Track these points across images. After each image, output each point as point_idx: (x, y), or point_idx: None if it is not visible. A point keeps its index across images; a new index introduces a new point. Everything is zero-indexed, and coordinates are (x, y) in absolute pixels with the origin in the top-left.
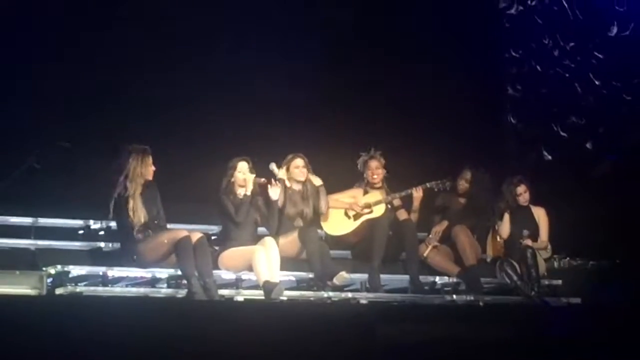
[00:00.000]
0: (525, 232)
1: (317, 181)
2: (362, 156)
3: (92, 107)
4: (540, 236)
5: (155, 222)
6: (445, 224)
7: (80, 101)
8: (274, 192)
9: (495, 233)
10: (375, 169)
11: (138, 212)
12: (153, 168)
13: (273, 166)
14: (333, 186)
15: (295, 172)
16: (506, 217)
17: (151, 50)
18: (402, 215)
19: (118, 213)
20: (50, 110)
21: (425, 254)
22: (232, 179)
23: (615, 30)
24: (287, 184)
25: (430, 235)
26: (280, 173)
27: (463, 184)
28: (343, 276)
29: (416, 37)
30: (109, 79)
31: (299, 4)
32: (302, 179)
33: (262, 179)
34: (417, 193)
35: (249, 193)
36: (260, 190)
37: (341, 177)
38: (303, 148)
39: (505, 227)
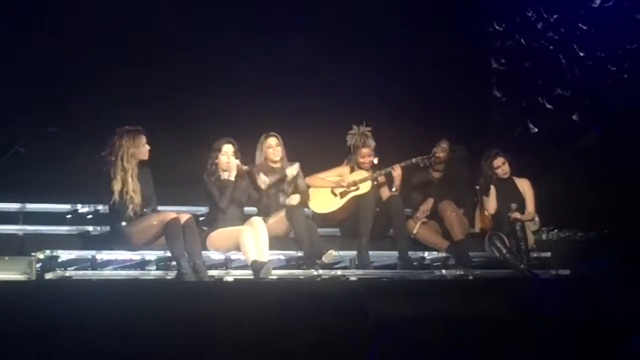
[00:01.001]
0: (514, 206)
1: (293, 170)
2: (351, 133)
3: (79, 91)
4: (527, 207)
5: (149, 203)
6: (430, 201)
7: (67, 85)
8: (263, 184)
9: (483, 207)
10: (367, 157)
11: (134, 193)
12: (147, 147)
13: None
14: (318, 163)
15: (269, 152)
16: (492, 191)
17: (136, 34)
18: (388, 191)
19: (113, 192)
20: (36, 95)
21: (415, 231)
22: (216, 161)
23: (598, 0)
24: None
25: (418, 214)
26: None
27: (439, 153)
28: (332, 254)
29: (399, 12)
30: (94, 63)
31: None
32: (277, 158)
33: (246, 167)
34: (396, 171)
35: (232, 178)
36: (245, 174)
37: (326, 154)
38: (289, 127)
39: (491, 201)
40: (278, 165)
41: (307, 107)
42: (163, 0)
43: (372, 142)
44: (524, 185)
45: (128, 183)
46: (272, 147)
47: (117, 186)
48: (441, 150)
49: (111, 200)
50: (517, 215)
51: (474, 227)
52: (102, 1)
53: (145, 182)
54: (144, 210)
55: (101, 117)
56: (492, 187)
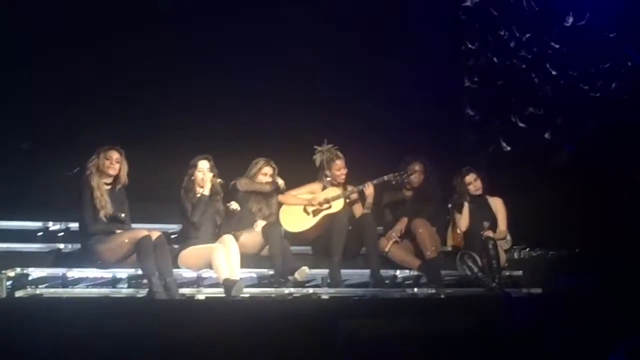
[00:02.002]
0: (486, 224)
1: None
2: (318, 151)
3: (52, 107)
4: (499, 226)
5: (123, 222)
6: (405, 221)
7: (39, 102)
8: (235, 206)
9: (455, 225)
10: (343, 168)
11: (102, 203)
12: (118, 164)
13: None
14: (287, 181)
15: (261, 178)
16: (464, 208)
17: (111, 50)
18: (360, 209)
19: (79, 200)
20: (8, 111)
21: (387, 249)
22: (192, 178)
23: (571, 20)
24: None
25: (393, 233)
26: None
27: (417, 176)
28: (305, 271)
29: (371, 30)
30: (68, 80)
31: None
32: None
33: (220, 180)
34: (369, 189)
35: (206, 193)
36: (220, 189)
37: (296, 173)
38: (260, 144)
39: (464, 219)
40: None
41: (278, 126)
42: (142, 17)
43: (341, 156)
44: (497, 204)
45: (98, 193)
46: (267, 176)
47: (87, 196)
48: (418, 173)
49: (81, 215)
50: (489, 233)
51: (446, 245)
52: (79, 17)
53: (118, 201)
54: (116, 229)
55: (74, 134)
56: (465, 204)
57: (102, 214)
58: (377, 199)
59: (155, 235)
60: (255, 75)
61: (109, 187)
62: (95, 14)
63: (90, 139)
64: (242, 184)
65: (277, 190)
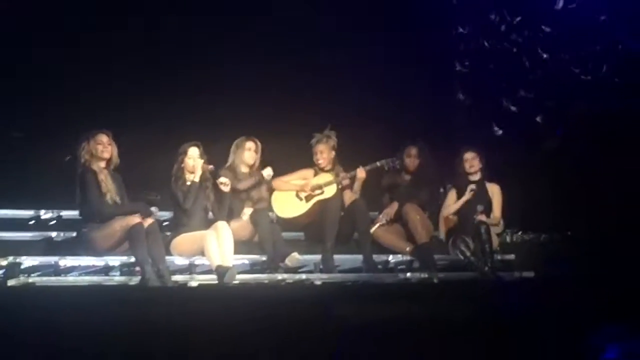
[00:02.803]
0: (480, 207)
1: (268, 171)
2: (315, 137)
3: (44, 94)
4: (493, 212)
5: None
6: (395, 205)
7: (32, 90)
8: (225, 188)
9: (448, 209)
10: (321, 153)
11: (107, 186)
12: (111, 152)
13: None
14: (285, 168)
15: (247, 154)
16: (452, 194)
17: (104, 37)
18: (349, 195)
19: (84, 186)
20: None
21: (371, 231)
22: (182, 165)
23: (561, 3)
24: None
25: (381, 216)
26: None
27: (412, 161)
28: (295, 257)
29: (364, 16)
30: (60, 67)
31: None
32: (252, 162)
33: (211, 166)
34: (361, 174)
35: (197, 180)
36: (210, 176)
37: (293, 159)
38: (254, 130)
39: (453, 203)
40: (248, 170)
41: (273, 111)
42: (134, 6)
43: (331, 142)
44: (494, 190)
45: (102, 182)
46: (250, 151)
47: (92, 187)
48: (413, 157)
49: (89, 201)
50: (482, 217)
51: (439, 229)
52: (71, 5)
53: (117, 183)
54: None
55: (66, 121)
56: (453, 190)
57: (108, 197)
58: (373, 184)
59: (147, 222)
60: (250, 60)
61: (106, 170)
62: (80, 7)
63: (81, 126)
64: (223, 181)
65: (262, 177)
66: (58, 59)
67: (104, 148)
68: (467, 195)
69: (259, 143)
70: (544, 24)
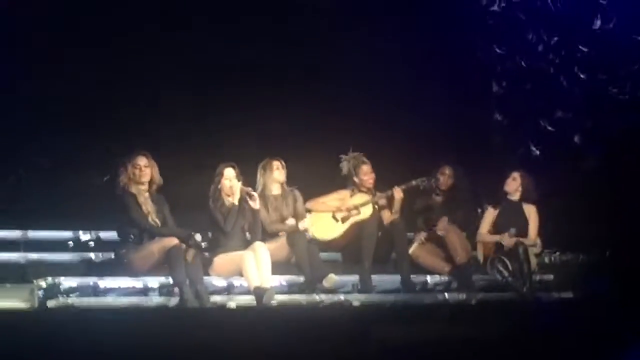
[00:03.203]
0: (512, 230)
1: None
2: (344, 159)
3: (80, 118)
4: (529, 233)
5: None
6: (445, 220)
7: (67, 112)
8: (254, 205)
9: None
10: (370, 173)
11: (148, 208)
12: (148, 169)
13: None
14: (314, 189)
15: (277, 173)
16: (489, 214)
17: (135, 60)
18: (389, 215)
19: (123, 210)
20: (37, 121)
21: (410, 251)
22: (219, 186)
23: (598, 23)
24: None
25: (421, 235)
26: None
27: (446, 180)
28: (332, 278)
29: (400, 37)
30: (98, 89)
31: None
32: (283, 179)
33: (249, 188)
34: (398, 194)
35: (236, 202)
36: (247, 197)
37: (323, 179)
38: (286, 152)
39: (486, 224)
40: (280, 191)
41: (304, 132)
42: (168, 27)
43: (367, 162)
44: (531, 211)
45: (142, 204)
46: (279, 169)
47: (129, 201)
48: (447, 177)
49: (123, 223)
50: (517, 238)
51: (477, 249)
52: (94, 30)
53: (159, 205)
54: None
55: (104, 143)
56: (489, 209)
57: (148, 219)
58: (407, 204)
59: (189, 253)
60: (279, 83)
61: (147, 193)
62: (113, 25)
63: (118, 146)
64: (253, 194)
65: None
66: (92, 79)
67: (141, 172)
68: (501, 216)
69: (282, 161)
70: (581, 44)
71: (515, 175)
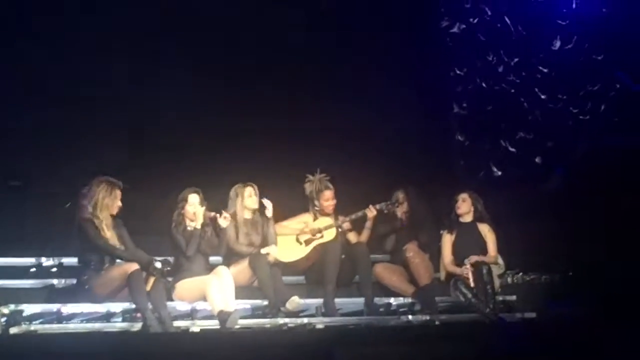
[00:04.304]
0: (471, 259)
1: (269, 212)
2: (308, 180)
3: (44, 141)
4: (489, 251)
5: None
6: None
7: (31, 136)
8: (224, 222)
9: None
10: (331, 199)
11: (108, 234)
12: (119, 204)
13: None
14: (278, 211)
15: (249, 200)
16: (446, 239)
17: (101, 85)
18: (353, 238)
19: (84, 237)
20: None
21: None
22: (183, 211)
23: (558, 43)
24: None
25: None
26: None
27: (401, 205)
28: (295, 301)
29: (359, 57)
30: (59, 113)
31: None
32: (255, 206)
33: (212, 213)
34: (371, 212)
35: (199, 226)
36: (210, 221)
37: (287, 202)
38: (247, 175)
39: (446, 250)
40: (251, 215)
41: (266, 155)
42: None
43: (331, 186)
44: (485, 230)
45: (104, 229)
46: (252, 197)
47: (91, 229)
48: (401, 200)
49: (82, 249)
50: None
51: (439, 271)
52: (71, 52)
53: (118, 229)
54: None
55: (65, 168)
56: (446, 235)
57: (108, 244)
58: (373, 229)
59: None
60: (246, 102)
61: (106, 219)
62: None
63: (79, 172)
64: (226, 215)
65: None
66: (60, 105)
67: (113, 202)
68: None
69: (256, 187)
70: (542, 65)
71: (464, 196)
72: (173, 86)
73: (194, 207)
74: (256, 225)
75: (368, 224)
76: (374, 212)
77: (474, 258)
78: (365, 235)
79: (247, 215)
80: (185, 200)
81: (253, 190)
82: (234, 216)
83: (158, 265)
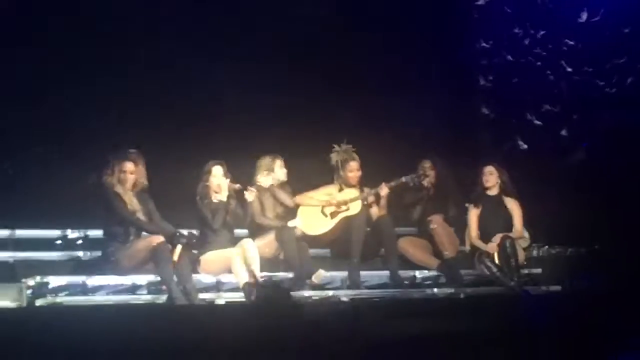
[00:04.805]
0: (494, 239)
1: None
2: (335, 150)
3: (72, 112)
4: (515, 226)
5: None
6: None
7: (58, 107)
8: (250, 196)
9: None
10: (356, 170)
11: (133, 207)
12: (146, 177)
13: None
14: (304, 182)
15: (280, 172)
16: (472, 214)
17: (133, 59)
18: (377, 211)
19: (110, 209)
20: (26, 115)
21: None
22: (207, 184)
23: (585, 16)
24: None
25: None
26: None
27: (428, 173)
28: (321, 274)
29: (386, 30)
30: (90, 84)
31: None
32: (285, 179)
33: (237, 185)
34: (383, 191)
35: (224, 199)
36: (234, 193)
37: (312, 173)
38: (272, 146)
39: (472, 225)
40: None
41: (290, 127)
42: (163, 22)
43: (356, 157)
44: (512, 204)
45: (128, 204)
46: (282, 168)
47: (113, 198)
48: (428, 169)
49: (108, 221)
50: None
51: (465, 244)
52: (102, 20)
53: (144, 203)
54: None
55: (93, 139)
56: (472, 210)
57: (134, 217)
58: (398, 200)
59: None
60: (270, 75)
61: (132, 192)
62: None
63: (106, 143)
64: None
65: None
66: (91, 77)
67: (125, 177)
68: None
69: (283, 160)
70: (568, 38)
71: (491, 169)
72: (201, 58)
73: (218, 179)
74: (280, 196)
75: (382, 202)
76: (386, 190)
77: (500, 236)
78: (383, 210)
79: (271, 187)
80: (210, 172)
81: (281, 162)
82: (260, 188)
83: (184, 237)
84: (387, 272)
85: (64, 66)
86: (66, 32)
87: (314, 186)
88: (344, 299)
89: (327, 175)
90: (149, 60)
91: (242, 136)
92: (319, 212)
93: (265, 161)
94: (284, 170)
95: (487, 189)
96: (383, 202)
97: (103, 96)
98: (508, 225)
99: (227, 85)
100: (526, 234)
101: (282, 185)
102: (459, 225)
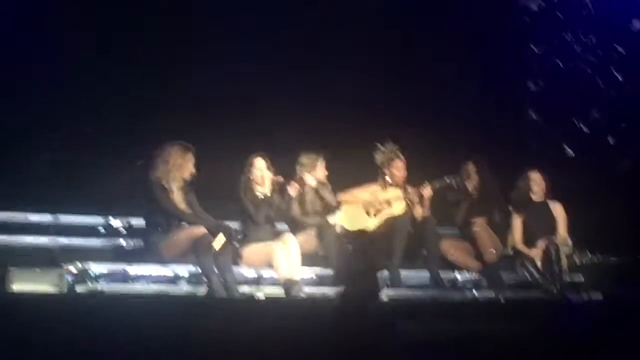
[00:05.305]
0: (539, 243)
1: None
2: (380, 149)
3: (113, 103)
4: (559, 231)
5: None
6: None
7: (107, 98)
8: (293, 192)
9: (516, 228)
10: (403, 169)
11: (178, 202)
12: (192, 169)
13: None
14: (348, 180)
15: (321, 172)
16: (517, 220)
17: (175, 48)
18: (420, 211)
19: (153, 199)
20: (75, 104)
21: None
22: (250, 176)
23: (638, 24)
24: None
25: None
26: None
27: (471, 176)
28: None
29: (436, 34)
30: (137, 74)
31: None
32: (323, 176)
33: (280, 178)
34: (427, 192)
35: (268, 193)
36: (277, 187)
37: (356, 172)
38: (316, 142)
39: (517, 230)
40: (314, 184)
41: (335, 124)
42: (211, 18)
43: (402, 157)
44: (557, 209)
45: (173, 193)
46: (323, 166)
47: (160, 192)
48: (471, 172)
49: (150, 211)
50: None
51: (507, 247)
52: (150, 15)
53: (188, 193)
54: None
55: (137, 128)
56: (516, 215)
57: (177, 208)
58: (442, 201)
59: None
60: (317, 74)
61: (177, 182)
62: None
63: (152, 133)
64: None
65: (290, 185)
66: (139, 67)
67: (187, 167)
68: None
69: (325, 158)
70: (619, 45)
71: (536, 175)
72: (247, 50)
73: (261, 172)
74: (322, 193)
75: (426, 202)
76: (429, 191)
77: (545, 241)
78: (426, 211)
79: (314, 184)
80: (252, 164)
81: (324, 162)
82: (301, 183)
83: (225, 230)
84: (427, 273)
85: (116, 49)
86: (117, 31)
87: (356, 183)
88: (384, 298)
89: (369, 172)
90: (197, 57)
91: (286, 130)
92: (362, 209)
93: (308, 159)
94: (325, 172)
95: (532, 194)
96: (426, 202)
97: (148, 85)
98: (552, 232)
99: (272, 81)
100: (569, 242)
101: (322, 183)
102: (501, 229)
